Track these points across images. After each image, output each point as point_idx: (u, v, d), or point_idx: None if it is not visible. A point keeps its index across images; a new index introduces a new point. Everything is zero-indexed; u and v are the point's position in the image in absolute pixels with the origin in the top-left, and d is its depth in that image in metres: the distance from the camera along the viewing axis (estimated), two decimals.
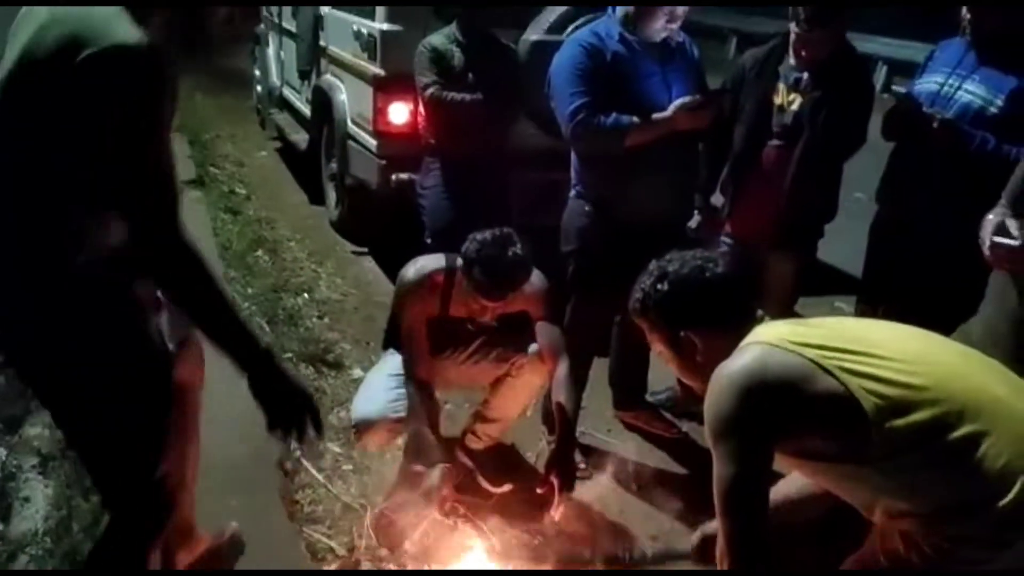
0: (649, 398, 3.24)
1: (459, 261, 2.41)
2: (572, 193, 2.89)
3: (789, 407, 1.31)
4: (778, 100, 2.74)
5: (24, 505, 2.47)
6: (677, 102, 2.61)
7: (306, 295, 4.07)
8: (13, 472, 2.60)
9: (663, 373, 3.42)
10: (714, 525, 1.73)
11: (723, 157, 2.89)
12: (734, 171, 2.86)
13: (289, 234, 4.89)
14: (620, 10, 2.70)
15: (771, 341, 1.36)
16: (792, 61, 2.74)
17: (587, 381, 2.91)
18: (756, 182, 2.79)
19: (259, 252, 4.49)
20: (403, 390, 2.49)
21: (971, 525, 1.25)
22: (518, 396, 2.69)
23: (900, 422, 1.26)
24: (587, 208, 2.81)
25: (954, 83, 2.53)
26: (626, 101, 2.61)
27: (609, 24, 2.72)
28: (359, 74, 4.36)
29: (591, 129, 2.61)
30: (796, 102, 2.71)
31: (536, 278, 2.53)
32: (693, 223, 2.99)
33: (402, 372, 2.52)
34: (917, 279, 2.56)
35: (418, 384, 2.45)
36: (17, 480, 2.58)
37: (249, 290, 3.92)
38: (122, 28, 1.32)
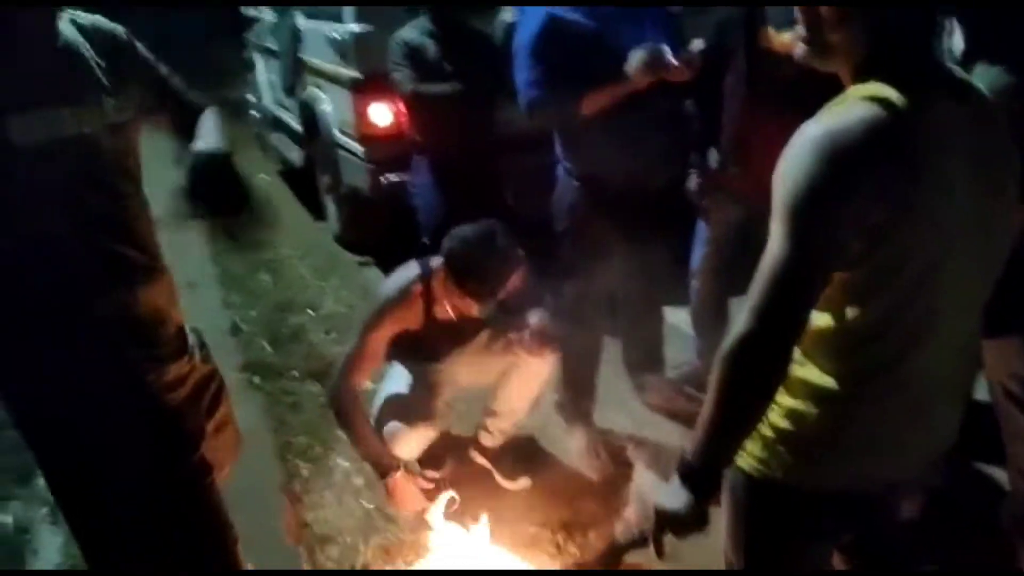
0: (670, 374, 3.09)
1: (432, 263, 2.33)
2: (560, 171, 2.75)
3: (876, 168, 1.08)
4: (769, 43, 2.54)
5: (34, 557, 2.43)
6: (632, 57, 2.38)
7: (311, 312, 3.99)
8: (25, 526, 2.56)
9: (680, 346, 3.27)
10: None
11: (716, 111, 2.70)
12: (732, 123, 2.66)
13: (292, 252, 4.82)
14: None
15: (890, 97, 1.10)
16: None
17: (597, 369, 2.77)
18: (763, 129, 2.57)
19: (260, 274, 4.42)
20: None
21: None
22: (525, 386, 2.58)
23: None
24: (576, 184, 2.67)
25: None
26: (597, 66, 2.44)
27: None
28: (338, 81, 4.27)
29: (541, 101, 2.46)
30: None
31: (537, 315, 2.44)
32: (692, 184, 2.81)
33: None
34: None
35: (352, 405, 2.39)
36: (32, 532, 2.53)
37: (252, 313, 3.84)
38: None
